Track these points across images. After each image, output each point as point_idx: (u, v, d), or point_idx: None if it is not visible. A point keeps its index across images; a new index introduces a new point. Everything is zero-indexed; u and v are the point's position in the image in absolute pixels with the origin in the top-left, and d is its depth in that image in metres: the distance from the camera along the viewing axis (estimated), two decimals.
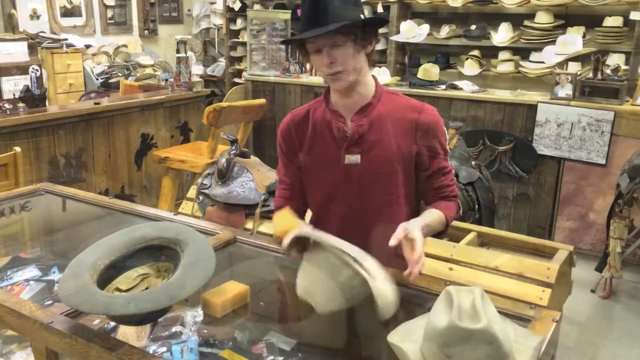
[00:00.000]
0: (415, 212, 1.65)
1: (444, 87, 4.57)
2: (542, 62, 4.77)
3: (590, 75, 4.01)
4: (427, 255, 2.52)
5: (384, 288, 1.31)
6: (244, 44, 6.79)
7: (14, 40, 4.45)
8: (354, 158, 1.62)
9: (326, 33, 1.49)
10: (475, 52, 5.36)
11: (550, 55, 4.43)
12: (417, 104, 1.66)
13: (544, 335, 1.24)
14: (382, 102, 1.64)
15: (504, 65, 5.20)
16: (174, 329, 1.47)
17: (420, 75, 4.67)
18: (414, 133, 1.61)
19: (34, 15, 6.23)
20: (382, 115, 1.62)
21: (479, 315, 1.10)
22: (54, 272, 1.91)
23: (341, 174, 1.64)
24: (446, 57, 5.51)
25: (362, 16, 1.56)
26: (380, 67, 5.14)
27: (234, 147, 3.11)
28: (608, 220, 3.51)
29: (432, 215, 1.61)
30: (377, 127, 1.61)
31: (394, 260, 1.49)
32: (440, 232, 1.67)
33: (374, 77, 1.68)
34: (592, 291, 3.61)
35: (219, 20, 7.41)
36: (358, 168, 1.62)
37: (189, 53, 5.03)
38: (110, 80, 6.16)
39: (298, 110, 1.75)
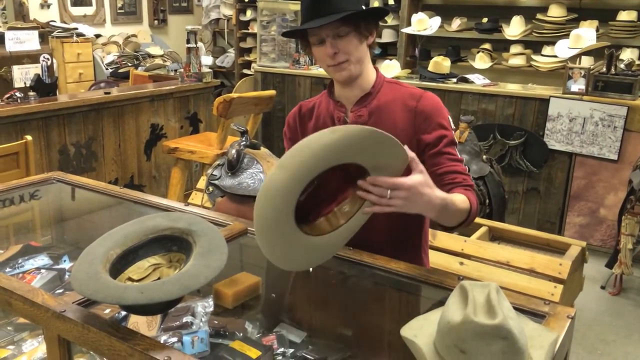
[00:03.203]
0: None
1: (454, 80, 4.54)
2: (555, 56, 4.73)
3: (604, 69, 3.97)
4: (438, 249, 2.54)
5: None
6: (253, 35, 6.76)
7: (25, 28, 4.45)
8: None
9: (330, 23, 1.48)
10: (487, 46, 5.33)
11: (563, 50, 4.39)
12: (417, 92, 1.61)
13: (559, 331, 1.22)
14: (383, 92, 1.62)
15: (515, 58, 5.16)
16: (184, 320, 1.47)
17: (431, 68, 4.64)
18: (413, 121, 1.58)
19: (45, 4, 6.24)
20: (382, 105, 1.61)
21: (495, 310, 1.09)
22: (64, 261, 1.91)
23: None
24: (457, 50, 5.48)
25: (363, 6, 1.55)
26: (390, 59, 5.11)
27: (244, 138, 3.09)
28: (619, 217, 3.48)
29: (456, 196, 1.46)
30: (377, 117, 1.60)
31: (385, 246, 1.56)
32: (460, 224, 1.51)
33: (375, 68, 1.66)
34: (602, 287, 3.59)
35: (228, 11, 7.39)
36: None
37: (199, 44, 5.01)
38: (120, 70, 6.16)
39: (307, 102, 1.76)
